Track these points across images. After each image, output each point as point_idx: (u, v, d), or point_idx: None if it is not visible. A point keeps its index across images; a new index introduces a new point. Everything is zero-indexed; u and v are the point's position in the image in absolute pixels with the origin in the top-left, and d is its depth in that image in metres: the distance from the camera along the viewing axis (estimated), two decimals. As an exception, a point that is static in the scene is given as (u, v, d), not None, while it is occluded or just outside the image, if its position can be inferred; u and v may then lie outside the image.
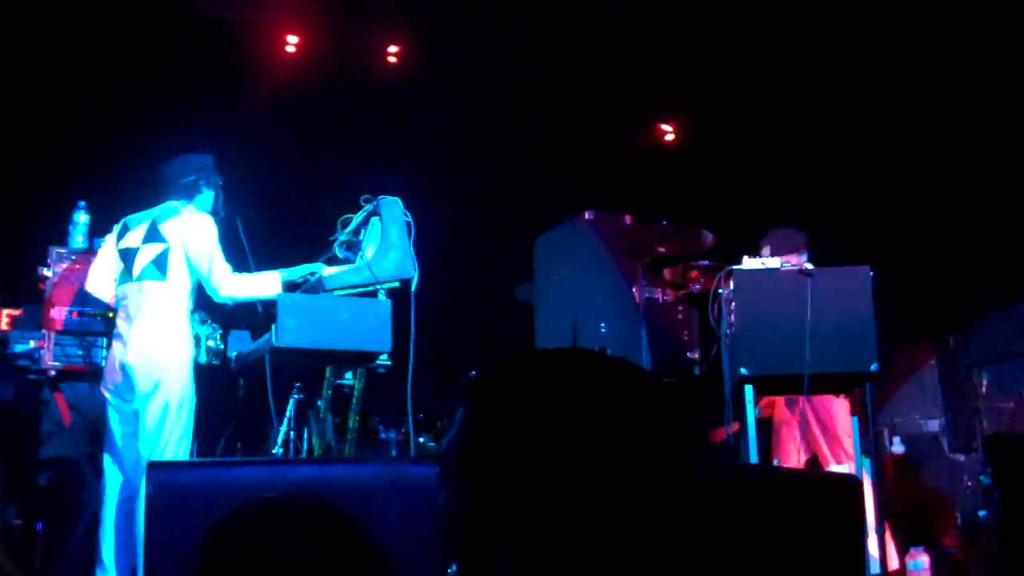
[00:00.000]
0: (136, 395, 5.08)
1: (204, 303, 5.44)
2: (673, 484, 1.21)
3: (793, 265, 5.90)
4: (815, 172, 9.19)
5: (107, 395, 5.25)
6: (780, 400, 6.53)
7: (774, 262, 5.99)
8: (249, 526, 1.62)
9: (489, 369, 1.31)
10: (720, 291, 5.62)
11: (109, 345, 5.54)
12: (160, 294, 5.19)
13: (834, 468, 6.13)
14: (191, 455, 5.28)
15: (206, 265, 5.22)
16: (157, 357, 5.10)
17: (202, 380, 5.32)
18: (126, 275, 5.28)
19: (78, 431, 6.06)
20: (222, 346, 5.49)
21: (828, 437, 6.28)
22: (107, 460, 5.24)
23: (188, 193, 5.43)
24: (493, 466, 1.21)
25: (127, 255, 5.30)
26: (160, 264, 5.21)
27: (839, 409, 6.15)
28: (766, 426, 6.55)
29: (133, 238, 5.32)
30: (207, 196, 5.51)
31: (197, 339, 5.37)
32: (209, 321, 5.48)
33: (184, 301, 5.26)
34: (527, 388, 1.24)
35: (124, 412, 5.19)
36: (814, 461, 6.35)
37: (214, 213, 5.51)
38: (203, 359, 5.41)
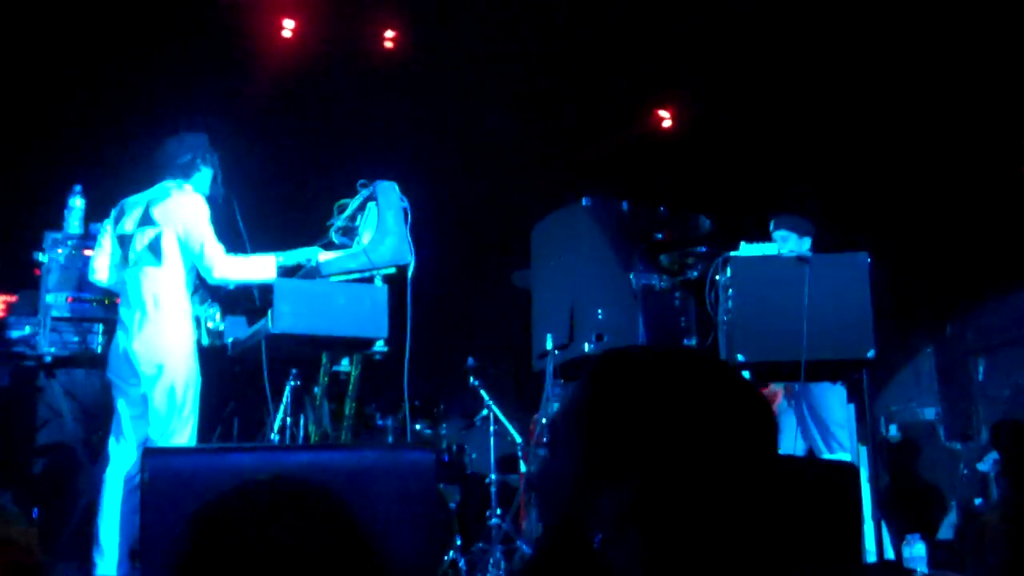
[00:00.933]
0: (142, 380, 5.11)
1: (203, 283, 5.42)
2: (759, 465, 1.38)
3: (792, 252, 5.91)
4: (813, 159, 9.17)
5: (113, 380, 5.28)
6: (780, 391, 6.54)
7: (791, 245, 6.09)
8: (243, 510, 1.61)
9: (609, 353, 1.48)
10: (717, 277, 5.61)
11: (108, 332, 5.54)
12: (158, 279, 5.19)
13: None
14: (195, 433, 5.29)
15: (197, 246, 5.20)
16: (159, 342, 5.11)
17: (200, 365, 5.31)
18: (124, 261, 5.29)
19: (73, 417, 6.05)
20: (222, 326, 5.48)
21: (822, 428, 6.28)
22: (112, 443, 5.27)
23: (185, 172, 5.42)
24: (607, 431, 1.37)
25: (124, 241, 5.30)
26: (155, 248, 5.20)
27: (834, 400, 6.14)
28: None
29: (128, 223, 5.31)
30: (205, 174, 5.49)
31: (197, 320, 5.37)
32: (209, 301, 5.47)
33: (182, 284, 5.25)
34: (641, 372, 1.41)
35: (131, 396, 5.21)
36: (810, 453, 6.35)
37: (212, 193, 5.49)
38: (205, 341, 5.41)
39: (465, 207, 9.27)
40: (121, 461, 5.22)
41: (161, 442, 4.99)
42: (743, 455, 1.35)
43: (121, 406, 5.27)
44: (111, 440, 5.28)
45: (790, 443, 6.33)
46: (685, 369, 1.40)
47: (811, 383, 6.15)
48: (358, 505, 1.65)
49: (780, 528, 1.42)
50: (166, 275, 5.20)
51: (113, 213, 5.43)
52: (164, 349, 5.10)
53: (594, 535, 1.36)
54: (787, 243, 6.25)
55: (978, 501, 7.18)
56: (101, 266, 5.48)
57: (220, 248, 5.25)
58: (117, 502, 5.14)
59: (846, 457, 6.08)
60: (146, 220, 5.26)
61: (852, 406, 5.80)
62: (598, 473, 1.35)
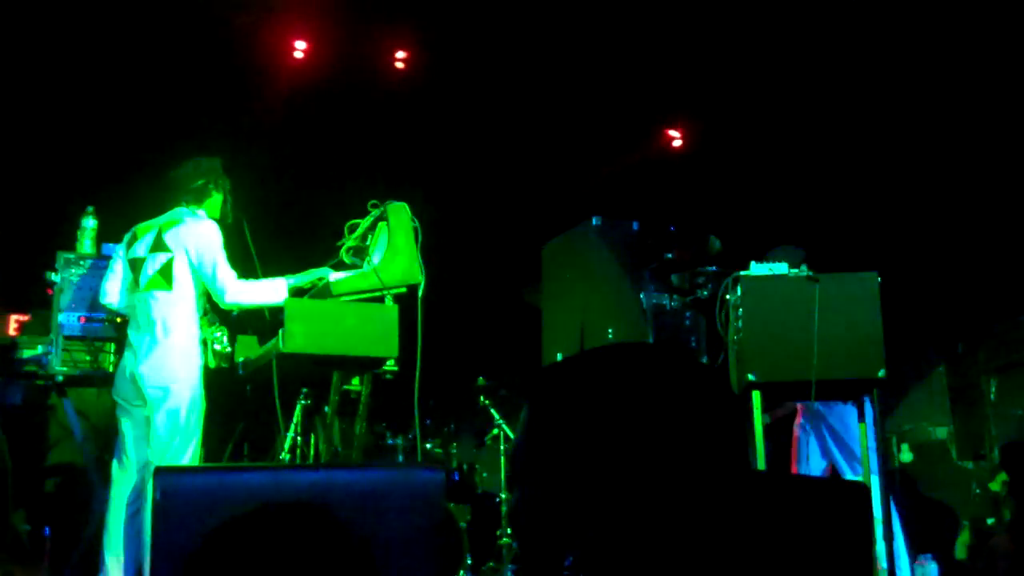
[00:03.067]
0: (147, 402, 5.12)
1: (212, 306, 5.45)
2: (728, 461, 1.32)
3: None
4: (824, 177, 9.18)
5: (118, 401, 5.30)
6: (800, 408, 6.52)
7: None
8: (256, 530, 1.62)
9: (545, 371, 1.44)
10: (728, 297, 5.61)
11: (119, 352, 5.56)
12: (167, 303, 5.22)
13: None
14: (199, 460, 5.30)
15: (210, 272, 5.24)
16: (167, 366, 5.13)
17: (210, 385, 5.33)
18: (134, 285, 5.31)
19: (85, 436, 6.07)
20: (229, 349, 5.50)
21: (846, 451, 6.26)
22: (115, 464, 5.28)
23: (197, 197, 5.45)
24: (558, 461, 1.32)
25: (135, 265, 5.33)
26: (166, 274, 5.23)
27: (854, 421, 6.12)
28: (786, 432, 6.56)
29: (141, 248, 5.34)
30: (216, 199, 5.53)
31: (204, 343, 5.39)
32: (217, 323, 5.48)
33: (191, 309, 5.28)
34: (582, 384, 1.36)
35: (136, 417, 5.23)
36: (833, 472, 6.34)
37: (223, 217, 5.53)
38: (212, 363, 5.42)
39: (476, 227, 9.29)
40: (123, 483, 5.23)
41: (162, 464, 4.98)
42: (695, 455, 1.33)
43: (125, 427, 5.28)
44: (114, 462, 5.30)
45: (804, 462, 6.32)
46: (633, 371, 1.37)
47: (833, 402, 6.14)
48: (368, 524, 1.66)
49: (777, 537, 1.41)
50: (176, 300, 5.23)
51: (126, 238, 5.47)
52: (171, 373, 5.12)
53: (564, 558, 1.34)
54: None
55: (991, 521, 7.15)
56: (112, 289, 5.51)
57: (233, 273, 5.27)
58: (121, 524, 5.16)
59: (871, 479, 6.06)
60: (158, 245, 5.28)
61: (863, 425, 5.77)
62: (548, 504, 1.33)
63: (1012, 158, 7.78)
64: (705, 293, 6.14)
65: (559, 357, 5.82)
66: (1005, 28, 7.43)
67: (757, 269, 5.72)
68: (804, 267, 6.21)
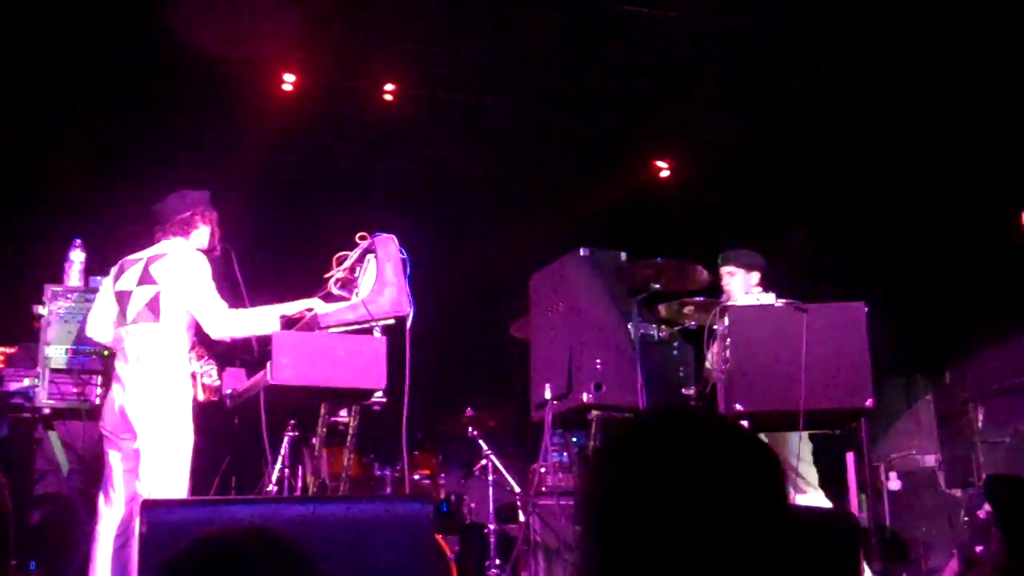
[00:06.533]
0: (135, 435, 5.10)
1: (200, 339, 5.44)
2: (771, 528, 1.41)
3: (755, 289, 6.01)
4: (810, 209, 9.23)
5: (106, 434, 5.27)
6: None
7: (738, 282, 6.26)
8: (242, 561, 1.62)
9: (608, 439, 1.52)
10: (715, 327, 5.63)
11: (106, 384, 5.54)
12: (155, 337, 5.20)
13: (800, 500, 5.99)
14: (186, 493, 5.27)
15: (199, 305, 5.23)
16: (154, 399, 5.11)
17: (196, 417, 5.31)
18: (122, 318, 5.30)
19: (72, 470, 6.03)
20: (218, 382, 5.49)
21: (788, 471, 6.16)
22: (102, 497, 5.25)
23: (184, 229, 5.45)
24: (618, 525, 1.40)
25: (122, 298, 5.31)
26: (153, 307, 5.22)
27: (792, 435, 6.01)
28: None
29: (127, 281, 5.32)
30: (203, 232, 5.53)
31: (193, 376, 5.37)
32: (206, 358, 5.47)
33: (179, 342, 5.27)
34: (640, 454, 1.43)
35: (125, 450, 5.21)
36: None
37: (210, 249, 5.52)
38: (200, 396, 5.40)
39: (464, 258, 9.31)
40: (110, 516, 5.20)
41: (149, 497, 4.96)
42: (753, 519, 1.37)
43: (114, 460, 5.26)
44: (100, 495, 5.27)
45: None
46: (686, 443, 1.41)
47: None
48: (356, 556, 1.66)
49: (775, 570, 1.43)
50: (163, 333, 5.21)
51: (112, 271, 5.46)
52: (159, 406, 5.10)
53: None
54: (735, 278, 6.32)
55: (979, 549, 7.15)
56: (98, 323, 5.48)
57: (222, 305, 5.27)
58: (107, 557, 5.12)
59: (818, 497, 6.00)
60: (145, 278, 5.27)
61: (850, 454, 5.77)
62: (615, 563, 1.37)
63: (996, 187, 7.83)
64: (693, 323, 6.17)
65: (547, 387, 5.83)
66: (987, 61, 7.50)
67: (744, 299, 5.75)
68: (756, 275, 6.31)
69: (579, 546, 1.57)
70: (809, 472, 6.06)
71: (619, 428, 1.52)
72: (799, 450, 5.96)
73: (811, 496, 6.00)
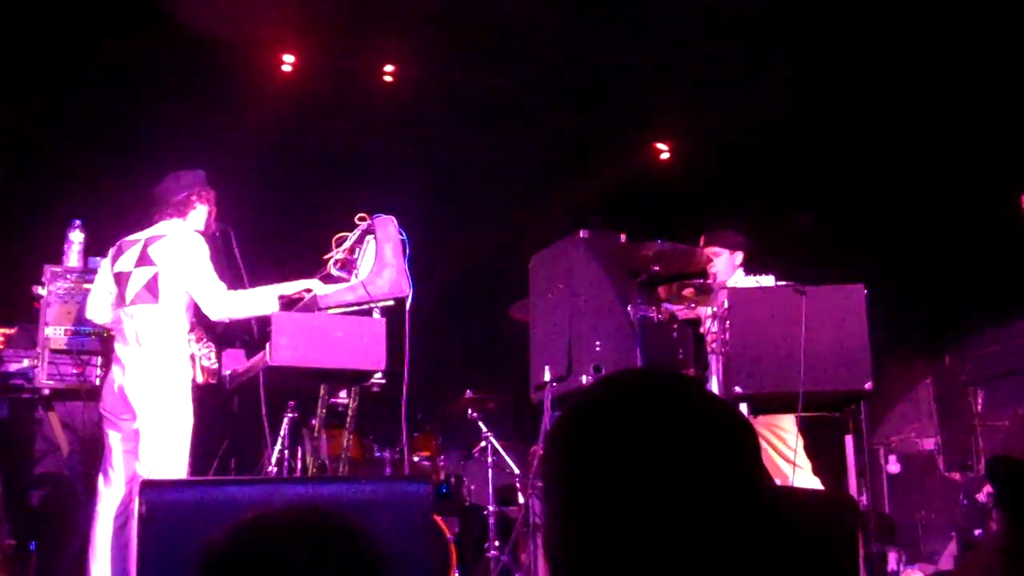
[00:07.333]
0: (135, 416, 5.11)
1: (199, 320, 5.44)
2: (741, 499, 1.33)
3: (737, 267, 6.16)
4: (810, 191, 9.21)
5: (105, 414, 5.28)
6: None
7: (723, 263, 6.32)
8: (243, 544, 1.61)
9: (576, 402, 1.42)
10: (714, 309, 5.62)
11: (106, 365, 5.54)
12: (154, 318, 5.20)
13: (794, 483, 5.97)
14: (186, 474, 5.28)
15: (197, 286, 5.23)
16: (154, 381, 5.12)
17: (197, 399, 5.32)
18: (121, 300, 5.30)
19: (71, 450, 6.04)
20: (216, 364, 5.49)
21: (781, 454, 6.16)
22: (102, 478, 5.27)
23: (181, 210, 5.44)
24: (581, 484, 1.32)
25: (121, 279, 5.31)
26: (152, 288, 5.22)
27: (784, 419, 6.01)
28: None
29: (126, 262, 5.32)
30: (200, 212, 5.51)
31: (192, 358, 5.37)
32: (205, 339, 5.47)
33: (178, 323, 5.27)
34: (607, 414, 1.35)
35: (125, 430, 5.22)
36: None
37: (208, 229, 5.52)
38: (199, 378, 5.41)
39: (463, 239, 9.30)
40: (110, 497, 5.22)
41: (148, 478, 4.97)
42: (721, 486, 1.30)
43: (113, 440, 5.27)
44: (100, 476, 5.29)
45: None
46: (647, 410, 1.33)
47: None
48: (355, 537, 1.66)
49: (776, 560, 1.39)
50: (162, 314, 5.21)
51: (111, 251, 5.45)
52: (159, 387, 5.11)
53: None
54: (719, 259, 6.32)
55: (978, 532, 7.16)
56: (97, 304, 5.48)
57: (221, 286, 5.27)
58: (107, 538, 5.14)
59: (809, 478, 6.00)
60: (143, 259, 5.27)
61: (849, 437, 5.76)
62: (577, 521, 1.31)
63: (997, 170, 7.81)
64: (693, 306, 6.16)
65: (546, 369, 5.83)
66: (987, 44, 7.48)
67: (744, 281, 5.74)
68: (739, 256, 6.33)
69: (543, 524, 1.49)
70: (800, 457, 6.06)
71: (572, 406, 1.45)
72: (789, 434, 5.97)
73: (802, 479, 6.00)
